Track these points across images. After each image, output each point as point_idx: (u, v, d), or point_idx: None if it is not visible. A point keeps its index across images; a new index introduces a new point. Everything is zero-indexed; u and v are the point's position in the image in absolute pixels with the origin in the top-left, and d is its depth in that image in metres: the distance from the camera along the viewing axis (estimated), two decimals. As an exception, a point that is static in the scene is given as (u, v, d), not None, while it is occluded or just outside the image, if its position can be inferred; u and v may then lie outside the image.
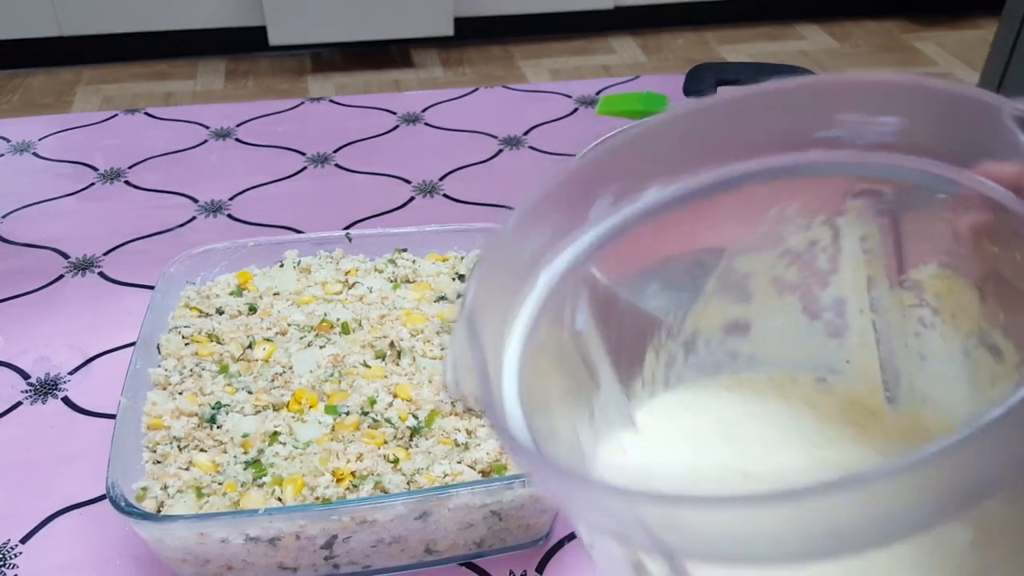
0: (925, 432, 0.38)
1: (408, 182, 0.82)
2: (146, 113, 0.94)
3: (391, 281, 0.59)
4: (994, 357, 0.35)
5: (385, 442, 0.47)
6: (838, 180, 0.35)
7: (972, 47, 2.55)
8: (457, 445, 0.47)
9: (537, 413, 0.29)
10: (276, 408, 0.50)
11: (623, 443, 0.36)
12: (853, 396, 0.39)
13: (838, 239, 0.37)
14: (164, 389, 0.51)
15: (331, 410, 0.49)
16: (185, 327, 0.55)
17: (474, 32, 2.31)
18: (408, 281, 0.60)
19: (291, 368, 0.52)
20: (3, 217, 0.77)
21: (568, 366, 0.34)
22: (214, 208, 0.78)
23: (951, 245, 0.34)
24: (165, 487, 0.45)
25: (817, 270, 0.37)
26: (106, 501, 0.42)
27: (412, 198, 0.79)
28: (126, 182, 0.82)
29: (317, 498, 0.44)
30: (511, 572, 0.47)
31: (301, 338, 0.54)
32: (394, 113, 0.94)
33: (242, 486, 0.45)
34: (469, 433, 0.48)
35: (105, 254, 0.72)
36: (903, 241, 0.35)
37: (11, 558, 0.48)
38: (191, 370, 0.52)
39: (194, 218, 0.77)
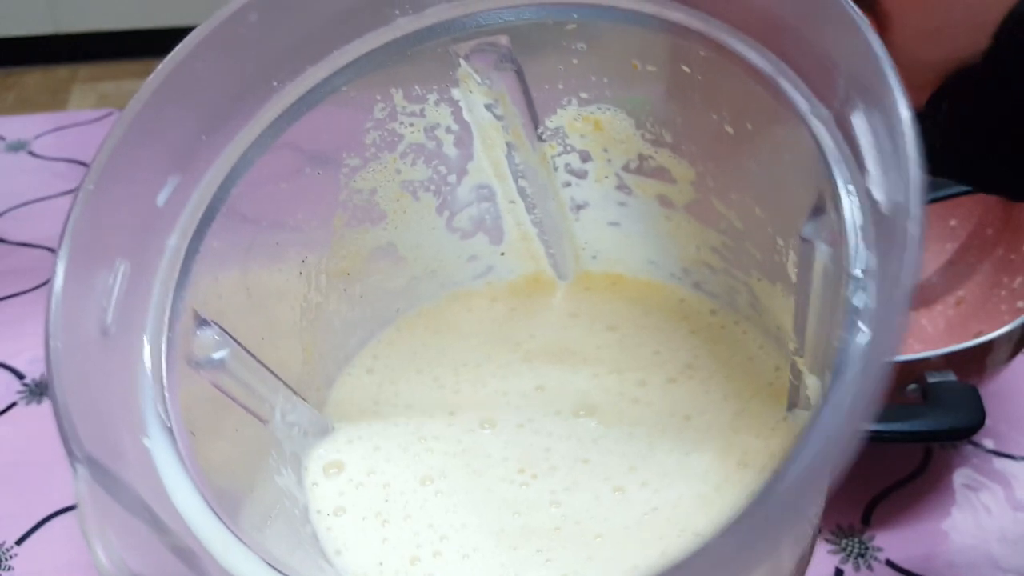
0: (611, 287, 0.36)
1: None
2: (142, 111, 0.93)
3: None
4: (662, 180, 0.32)
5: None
6: (437, 50, 0.29)
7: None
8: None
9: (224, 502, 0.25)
10: (273, 409, 0.49)
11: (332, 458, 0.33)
12: (521, 283, 0.37)
13: (460, 115, 0.32)
14: (160, 390, 0.50)
15: (328, 411, 0.49)
16: (181, 327, 0.54)
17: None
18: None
19: (288, 368, 0.52)
20: (-2, 216, 0.76)
21: (225, 409, 0.29)
22: (210, 207, 0.78)
23: (589, 78, 0.30)
24: (161, 489, 0.44)
25: (447, 157, 0.33)
26: (102, 503, 0.42)
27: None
28: (122, 181, 0.81)
29: (314, 500, 0.44)
30: (510, 574, 0.47)
31: (298, 338, 0.54)
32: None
33: (239, 488, 0.44)
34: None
35: (101, 253, 0.72)
36: (532, 90, 0.31)
37: (6, 560, 0.47)
38: (187, 371, 0.51)
39: (190, 217, 0.76)
